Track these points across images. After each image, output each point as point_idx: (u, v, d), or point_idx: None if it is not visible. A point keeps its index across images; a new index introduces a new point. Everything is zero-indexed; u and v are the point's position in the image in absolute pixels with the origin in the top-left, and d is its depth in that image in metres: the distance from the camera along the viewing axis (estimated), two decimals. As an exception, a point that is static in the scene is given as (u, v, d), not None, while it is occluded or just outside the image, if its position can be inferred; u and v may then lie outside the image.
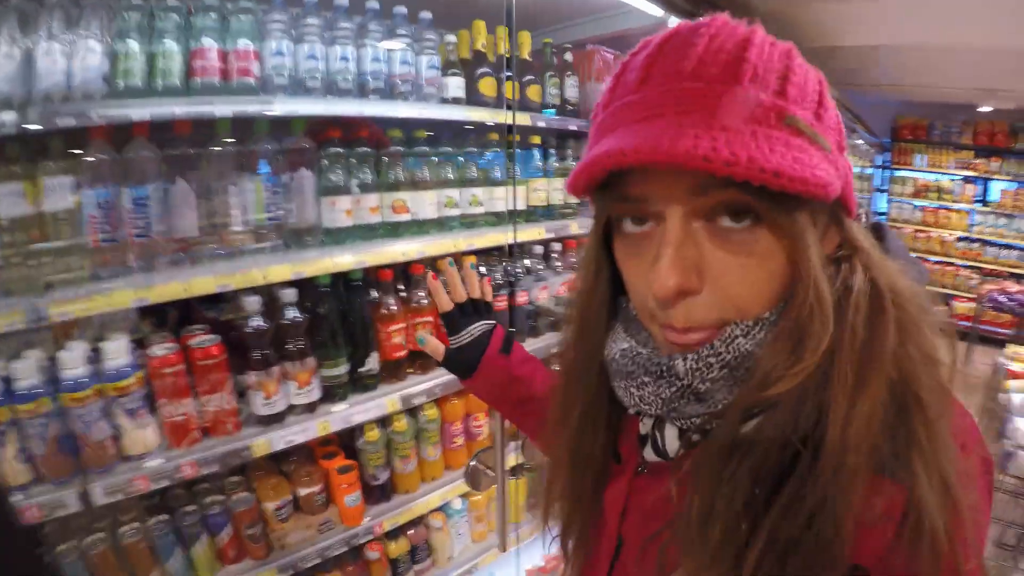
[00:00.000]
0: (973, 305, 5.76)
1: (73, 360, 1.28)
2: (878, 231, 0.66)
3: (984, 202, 7.23)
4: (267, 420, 1.50)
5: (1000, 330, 5.88)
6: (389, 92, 1.63)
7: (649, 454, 0.67)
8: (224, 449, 1.43)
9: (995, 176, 7.03)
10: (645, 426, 0.68)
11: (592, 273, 0.68)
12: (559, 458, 0.77)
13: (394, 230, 1.69)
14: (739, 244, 0.53)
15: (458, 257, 1.78)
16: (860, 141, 6.75)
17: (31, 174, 1.27)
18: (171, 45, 1.36)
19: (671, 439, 0.63)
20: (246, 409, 1.52)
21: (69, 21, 1.27)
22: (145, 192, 1.37)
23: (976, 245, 7.19)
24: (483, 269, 1.90)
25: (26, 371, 1.23)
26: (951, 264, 7.34)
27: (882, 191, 8.16)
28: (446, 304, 1.07)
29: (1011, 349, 3.12)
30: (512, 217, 1.81)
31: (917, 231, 7.67)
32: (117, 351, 1.32)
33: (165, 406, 1.39)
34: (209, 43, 1.40)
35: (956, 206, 7.29)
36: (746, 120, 0.49)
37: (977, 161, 7.08)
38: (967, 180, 7.21)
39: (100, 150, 1.33)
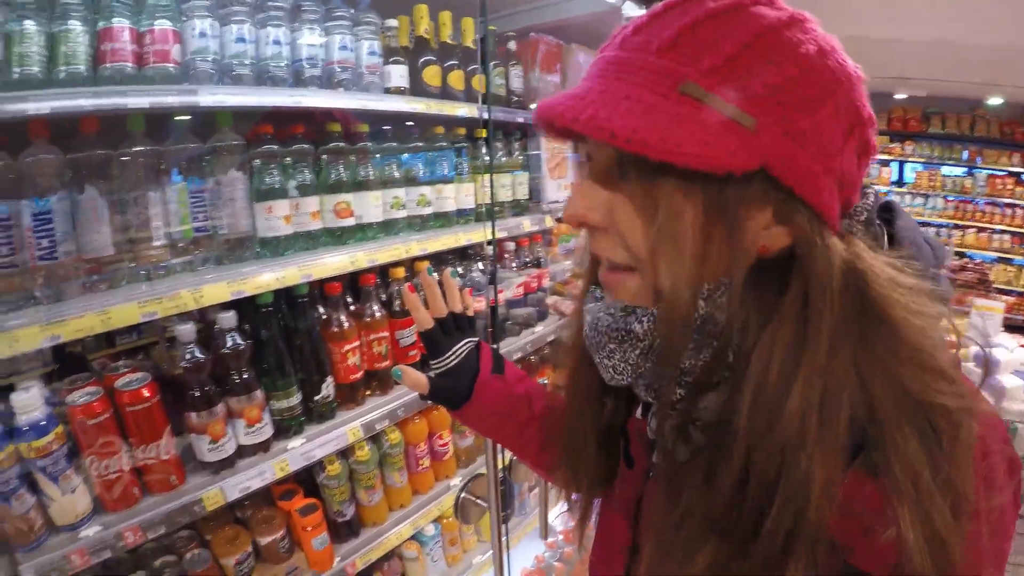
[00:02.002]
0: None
1: None
2: (888, 211, 0.64)
3: (900, 183, 8.04)
4: (217, 466, 1.31)
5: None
6: (327, 80, 1.49)
7: (659, 459, 0.66)
8: (171, 507, 1.24)
9: (909, 159, 7.86)
10: (651, 428, 0.68)
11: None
12: (581, 466, 0.78)
13: (338, 237, 1.55)
14: (632, 194, 0.56)
15: (415, 268, 1.66)
16: None
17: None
18: (76, 25, 1.15)
19: (679, 445, 0.61)
20: (190, 455, 1.31)
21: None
22: (47, 205, 1.14)
23: (895, 225, 8.01)
24: (437, 276, 1.78)
25: None
26: None
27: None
28: (426, 321, 0.95)
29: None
30: (491, 214, 1.72)
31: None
32: (30, 403, 1.10)
33: (94, 463, 1.16)
34: (120, 22, 1.19)
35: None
36: (641, 87, 0.53)
37: (892, 145, 7.82)
38: (883, 163, 7.96)
39: (-8, 155, 1.08)
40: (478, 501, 1.40)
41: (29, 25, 1.09)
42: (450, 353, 0.94)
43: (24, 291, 1.14)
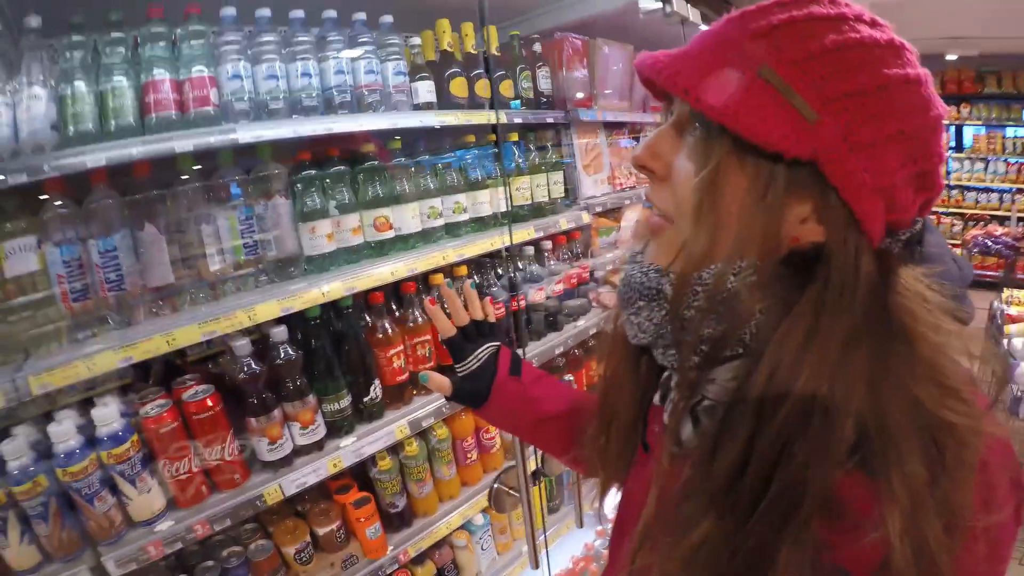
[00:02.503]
0: (960, 252, 5.90)
1: (64, 433, 1.22)
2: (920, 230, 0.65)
3: (959, 148, 7.45)
4: (275, 465, 1.45)
5: (988, 272, 6.04)
6: (357, 104, 1.58)
7: (672, 445, 0.67)
8: (235, 502, 1.38)
9: (967, 122, 7.28)
10: (668, 415, 0.68)
11: None
12: (607, 447, 0.82)
13: (379, 249, 1.64)
14: (692, 151, 0.61)
15: (453, 273, 1.74)
16: None
17: (-13, 239, 1.18)
18: (120, 81, 1.29)
19: (687, 427, 0.65)
20: (253, 455, 1.46)
21: (8, 68, 1.18)
22: (112, 243, 1.29)
23: (956, 192, 7.43)
24: (476, 279, 1.85)
25: (16, 451, 1.17)
26: (932, 213, 7.64)
27: None
28: (448, 329, 1.02)
29: (1006, 293, 3.21)
30: (507, 217, 1.76)
31: None
32: (108, 417, 1.26)
33: (166, 466, 1.32)
34: (161, 74, 1.32)
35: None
36: (726, 63, 0.58)
37: (948, 108, 7.28)
38: (939, 128, 7.48)
39: (59, 204, 1.24)
40: (511, 491, 1.48)
41: (80, 86, 1.24)
42: (471, 358, 1.01)
43: (99, 319, 1.30)
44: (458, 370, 1.01)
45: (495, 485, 1.48)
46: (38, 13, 1.21)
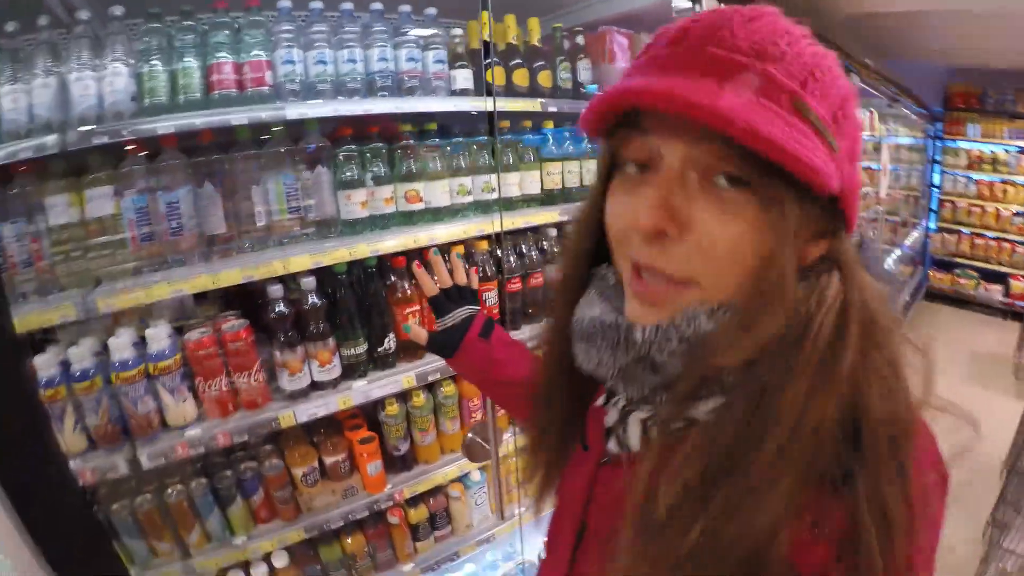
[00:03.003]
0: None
1: (121, 346, 1.49)
2: (858, 245, 0.68)
3: None
4: (293, 395, 1.68)
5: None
6: (397, 89, 1.74)
7: (613, 446, 0.69)
8: (253, 420, 1.63)
9: None
10: (611, 418, 0.71)
11: (586, 216, 0.71)
12: (541, 443, 0.84)
13: (409, 218, 1.82)
14: (726, 203, 0.55)
15: (474, 247, 1.89)
16: (907, 111, 6.41)
17: (76, 187, 1.48)
18: (190, 63, 1.52)
19: (634, 433, 0.66)
20: (276, 384, 1.70)
21: (95, 48, 1.44)
22: (176, 196, 1.56)
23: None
24: (500, 253, 2.00)
25: (80, 356, 1.46)
26: (1007, 240, 6.99)
27: (936, 163, 7.73)
28: (432, 289, 1.19)
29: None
30: (499, 203, 1.89)
31: (971, 205, 7.30)
32: (158, 337, 1.53)
33: (201, 383, 1.59)
34: (224, 57, 1.55)
35: (1015, 178, 6.85)
36: (757, 93, 0.53)
37: None
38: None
39: (134, 162, 1.52)
40: (483, 444, 1.64)
41: (156, 65, 1.49)
42: (448, 316, 1.17)
43: (159, 260, 1.57)
44: (437, 325, 1.18)
45: (469, 435, 1.65)
46: (120, 3, 1.46)
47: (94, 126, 1.44)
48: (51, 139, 1.40)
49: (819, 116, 0.54)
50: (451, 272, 1.22)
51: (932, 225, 7.88)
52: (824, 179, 0.52)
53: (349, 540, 1.86)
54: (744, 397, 0.55)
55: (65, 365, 1.46)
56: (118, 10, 1.46)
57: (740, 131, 0.49)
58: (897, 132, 6.38)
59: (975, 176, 7.24)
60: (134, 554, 1.61)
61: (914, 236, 7.35)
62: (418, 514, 1.94)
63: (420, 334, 1.19)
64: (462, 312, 1.17)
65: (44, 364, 1.44)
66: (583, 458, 0.79)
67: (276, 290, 1.65)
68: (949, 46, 5.09)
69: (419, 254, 1.79)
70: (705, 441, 0.56)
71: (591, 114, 0.60)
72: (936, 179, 7.72)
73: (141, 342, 1.55)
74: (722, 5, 2.13)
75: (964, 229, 7.45)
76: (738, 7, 0.58)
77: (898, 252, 6.56)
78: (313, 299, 1.67)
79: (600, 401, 0.76)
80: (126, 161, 1.52)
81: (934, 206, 7.84)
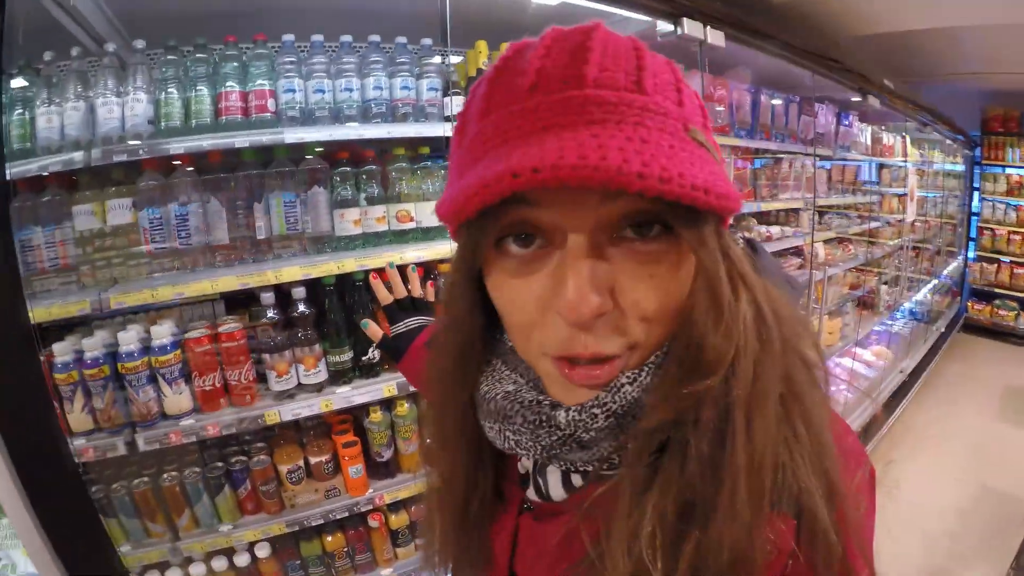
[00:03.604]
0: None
1: (128, 339, 1.72)
2: (751, 247, 0.70)
3: None
4: (280, 396, 1.88)
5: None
6: (391, 115, 1.93)
7: (533, 495, 0.68)
8: (241, 415, 1.83)
9: None
10: (524, 466, 0.70)
11: (464, 311, 0.64)
12: (439, 497, 0.76)
13: (400, 237, 1.98)
14: (646, 255, 0.52)
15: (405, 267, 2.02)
16: (939, 136, 6.37)
17: (99, 198, 1.74)
18: (202, 90, 1.78)
19: (555, 484, 0.65)
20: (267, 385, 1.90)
21: (120, 76, 1.71)
22: (186, 210, 1.79)
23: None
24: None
25: (92, 346, 1.70)
26: None
27: (976, 189, 7.66)
28: (386, 298, 1.29)
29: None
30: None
31: (1011, 233, 7.23)
32: (162, 333, 1.76)
33: (197, 378, 1.79)
34: (231, 86, 1.79)
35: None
36: (661, 131, 0.49)
37: None
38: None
39: (150, 178, 1.77)
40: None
41: (172, 92, 1.74)
42: (400, 324, 1.25)
43: (169, 265, 1.80)
44: (392, 331, 1.28)
45: (428, 440, 1.74)
46: (143, 37, 1.74)
47: (114, 145, 1.68)
48: (78, 155, 1.67)
49: (706, 138, 0.53)
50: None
51: (971, 254, 7.84)
52: (736, 204, 0.51)
53: (329, 539, 2.01)
54: (692, 432, 0.53)
55: (79, 353, 1.69)
56: (140, 43, 1.74)
57: (678, 188, 0.45)
58: (933, 158, 6.41)
59: (1015, 202, 7.21)
60: (129, 531, 1.84)
61: (952, 266, 7.39)
62: (399, 520, 2.07)
63: (375, 332, 1.30)
64: (413, 322, 1.26)
65: (61, 351, 1.69)
66: (500, 508, 0.76)
67: (267, 298, 1.85)
68: (982, 68, 4.95)
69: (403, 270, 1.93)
70: (663, 482, 0.53)
71: (468, 205, 0.48)
72: (975, 206, 7.69)
73: (147, 337, 1.76)
74: (707, 28, 2.22)
75: (1004, 258, 7.41)
76: (572, 29, 0.54)
77: (934, 282, 6.54)
78: (301, 308, 1.85)
79: (506, 451, 0.68)
80: (144, 176, 1.76)
81: (973, 234, 7.79)
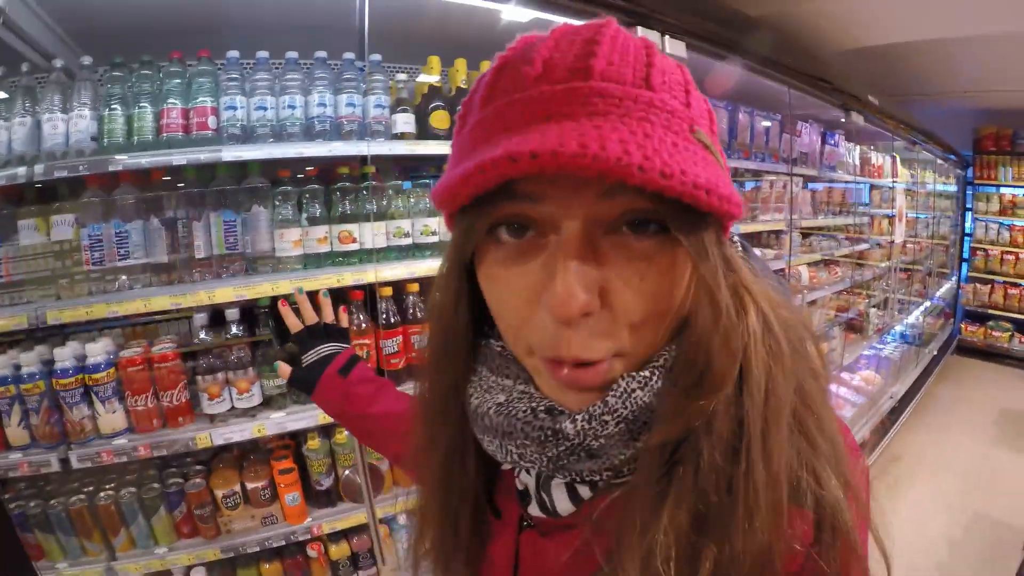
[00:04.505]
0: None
1: (64, 355, 1.87)
2: (743, 247, 0.71)
3: None
4: (212, 418, 1.94)
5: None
6: (336, 133, 1.97)
7: (535, 511, 0.66)
8: (173, 437, 1.94)
9: None
10: (522, 482, 0.68)
11: (451, 301, 0.64)
12: (429, 513, 0.76)
13: (343, 259, 1.99)
14: (639, 253, 0.53)
15: (406, 289, 1.99)
16: (928, 155, 6.53)
17: (43, 213, 1.84)
18: (145, 107, 1.92)
19: (561, 498, 0.63)
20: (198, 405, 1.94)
21: (66, 92, 1.82)
22: (125, 227, 1.88)
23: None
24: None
25: (29, 361, 1.82)
26: None
27: (968, 210, 7.90)
28: (296, 325, 1.31)
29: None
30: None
31: (1004, 253, 7.38)
32: (96, 351, 1.87)
33: (130, 397, 1.86)
34: (173, 103, 1.91)
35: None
36: (665, 129, 0.50)
37: None
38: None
39: (92, 194, 1.86)
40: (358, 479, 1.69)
41: (116, 108, 1.85)
42: (311, 352, 1.26)
43: (104, 283, 1.88)
44: (302, 360, 1.27)
45: (347, 472, 1.70)
46: (94, 53, 1.90)
47: (57, 161, 1.76)
48: (21, 170, 1.81)
49: (712, 141, 0.54)
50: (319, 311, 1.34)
51: (964, 275, 8.05)
52: (738, 209, 0.51)
53: (267, 566, 2.11)
54: (706, 442, 0.52)
55: (16, 368, 1.78)
56: (87, 59, 1.91)
57: (679, 184, 0.45)
58: (924, 178, 6.60)
59: (1008, 222, 7.39)
60: (67, 549, 1.98)
61: (945, 287, 7.62)
62: (340, 551, 2.12)
63: (284, 371, 1.30)
64: (325, 349, 1.26)
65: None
66: (496, 527, 0.74)
67: (200, 319, 1.93)
68: (974, 86, 5.05)
69: (343, 294, 1.91)
70: (677, 494, 0.53)
71: (464, 188, 0.49)
72: (968, 226, 7.93)
73: (82, 355, 1.83)
74: (683, 44, 2.09)
75: (997, 278, 7.57)
76: (583, 24, 0.55)
77: (927, 304, 6.70)
78: (234, 330, 1.86)
79: (507, 464, 0.69)
80: (85, 193, 1.83)
81: (966, 255, 8.00)
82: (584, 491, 0.61)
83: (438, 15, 2.01)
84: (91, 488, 1.99)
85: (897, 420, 5.38)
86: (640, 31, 2.11)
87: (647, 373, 0.55)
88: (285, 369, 1.29)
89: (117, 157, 1.86)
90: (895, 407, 5.43)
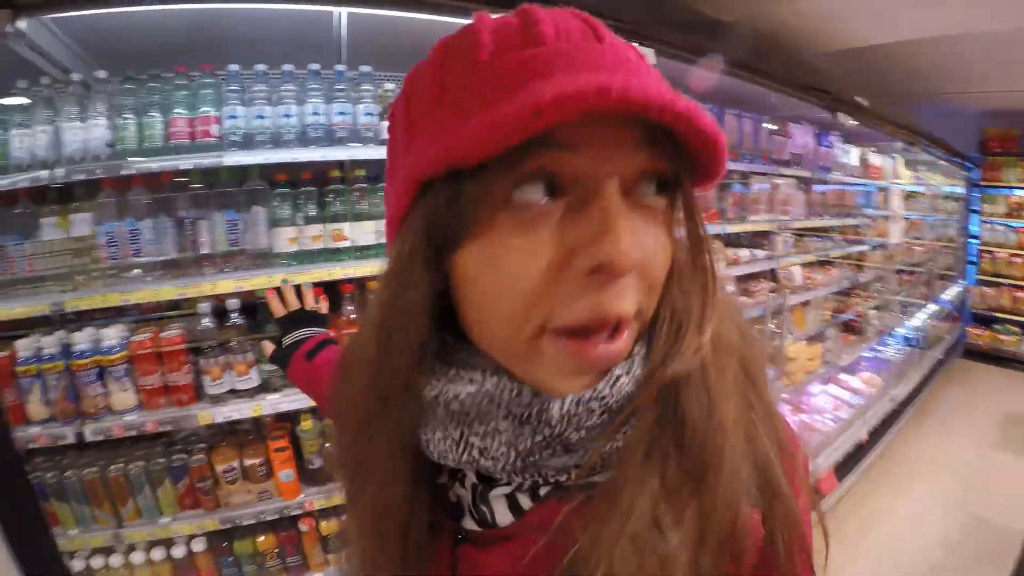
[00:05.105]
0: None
1: (81, 339, 2.08)
2: None
3: None
4: (213, 398, 2.13)
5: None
6: (329, 139, 2.16)
7: (470, 524, 0.66)
8: (177, 415, 2.16)
9: None
10: (456, 494, 0.69)
11: (415, 292, 0.57)
12: (364, 531, 0.70)
13: (335, 255, 2.19)
14: (653, 214, 0.54)
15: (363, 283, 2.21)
16: (927, 156, 6.46)
17: (63, 212, 2.06)
18: (155, 116, 2.12)
19: (501, 510, 0.63)
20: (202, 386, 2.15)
21: (82, 104, 2.04)
22: (137, 224, 2.08)
23: None
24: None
25: (49, 344, 2.02)
26: None
27: (975, 212, 7.88)
28: (279, 311, 1.50)
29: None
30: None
31: (1012, 255, 7.41)
32: (110, 335, 2.08)
33: (139, 378, 2.07)
34: (180, 113, 2.12)
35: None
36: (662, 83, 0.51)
37: None
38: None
39: (107, 195, 2.07)
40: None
41: (129, 118, 2.06)
42: (289, 336, 1.43)
43: (120, 275, 2.10)
44: (283, 342, 1.43)
45: (328, 445, 1.89)
46: (104, 69, 2.11)
47: (76, 165, 1.99)
48: (44, 174, 2.04)
49: None
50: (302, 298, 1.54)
51: (971, 277, 8.07)
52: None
53: (261, 539, 2.30)
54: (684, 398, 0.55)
55: (38, 349, 1.99)
56: (102, 74, 2.13)
57: (713, 131, 0.49)
58: (930, 180, 6.64)
59: (1015, 224, 7.42)
60: (78, 516, 2.16)
61: (951, 290, 7.61)
62: (330, 527, 2.29)
63: (267, 348, 1.54)
64: (300, 333, 1.43)
65: (23, 346, 2.03)
66: (429, 538, 0.70)
67: (204, 307, 2.14)
68: (977, 87, 5.10)
69: (333, 287, 2.11)
70: (660, 457, 0.54)
71: (498, 142, 0.46)
72: (974, 228, 7.95)
73: (98, 338, 2.05)
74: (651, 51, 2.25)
75: (1004, 281, 7.61)
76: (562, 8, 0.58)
77: (932, 307, 6.70)
78: (234, 318, 2.07)
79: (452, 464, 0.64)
80: (102, 194, 2.05)
81: (972, 256, 8.00)
82: (525, 501, 0.61)
83: (420, 30, 2.16)
84: (103, 461, 2.21)
85: (897, 422, 5.43)
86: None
87: (627, 362, 0.56)
88: (268, 347, 1.47)
89: (130, 161, 2.10)
90: (895, 409, 5.46)
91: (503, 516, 0.62)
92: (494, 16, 0.56)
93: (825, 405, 4.60)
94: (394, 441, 0.62)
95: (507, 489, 0.62)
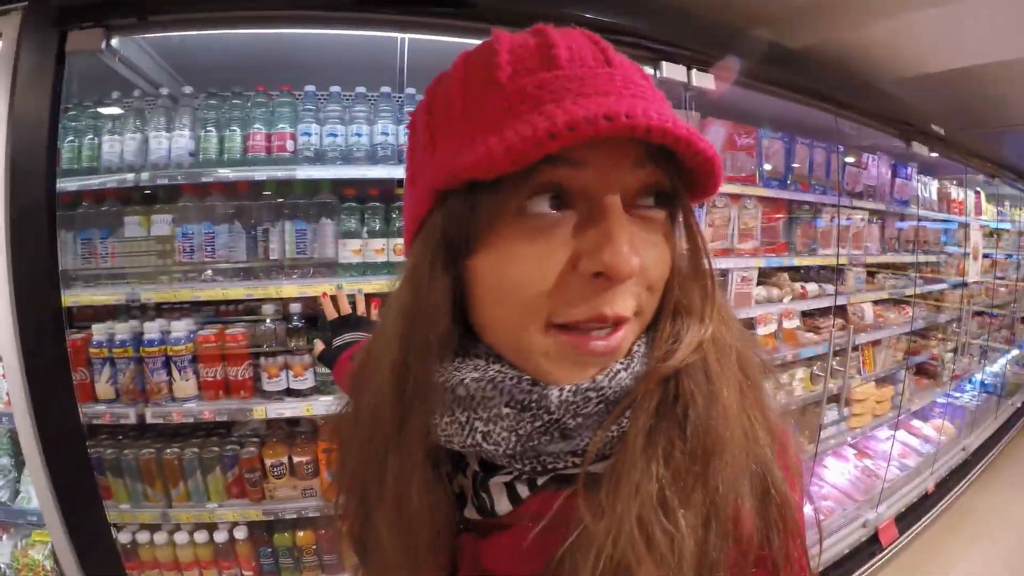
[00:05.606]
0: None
1: (151, 329, 2.25)
2: None
3: None
4: (269, 395, 2.29)
5: None
6: (397, 158, 2.33)
7: (471, 513, 0.69)
8: (234, 407, 2.31)
9: None
10: (459, 484, 0.71)
11: (436, 293, 0.61)
12: (392, 531, 0.69)
13: (396, 268, 2.31)
14: (651, 222, 0.60)
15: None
16: (1010, 189, 6.24)
17: (146, 212, 2.24)
18: (235, 130, 2.28)
19: (500, 497, 0.66)
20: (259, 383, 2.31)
21: (168, 116, 2.24)
22: (213, 228, 2.26)
23: None
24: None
25: (122, 331, 2.20)
26: None
27: None
28: (332, 314, 1.65)
29: None
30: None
31: None
32: (179, 328, 2.26)
33: (202, 368, 2.23)
34: (258, 128, 2.30)
35: None
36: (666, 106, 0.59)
37: None
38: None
39: (187, 200, 2.26)
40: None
41: (211, 130, 2.25)
42: (339, 338, 1.56)
43: (195, 273, 2.27)
44: (332, 343, 1.57)
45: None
46: (190, 84, 2.31)
47: (159, 171, 2.18)
48: (130, 176, 2.21)
49: None
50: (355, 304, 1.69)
51: None
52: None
53: (301, 534, 2.42)
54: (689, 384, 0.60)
55: (111, 334, 2.16)
56: (188, 89, 2.33)
57: (711, 151, 0.55)
58: (1015, 216, 6.42)
59: None
60: (131, 492, 2.32)
61: None
62: None
63: (318, 348, 1.70)
64: (349, 336, 1.54)
65: (98, 331, 2.23)
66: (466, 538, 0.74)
67: (268, 309, 2.30)
68: None
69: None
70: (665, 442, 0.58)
71: (521, 158, 0.51)
72: None
73: (167, 330, 2.22)
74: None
75: None
76: (544, 26, 0.62)
77: (1015, 352, 6.44)
78: (295, 321, 2.23)
79: (458, 448, 0.67)
80: (182, 198, 2.24)
81: None
82: (523, 490, 0.65)
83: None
84: (160, 444, 2.38)
85: (968, 474, 5.14)
86: (665, 66, 2.37)
87: (627, 359, 0.61)
88: (319, 346, 1.62)
89: (209, 170, 2.28)
90: (967, 460, 5.25)
91: (502, 504, 0.66)
92: (512, 34, 0.62)
93: (892, 451, 4.46)
94: (419, 440, 0.64)
95: (507, 477, 0.66)
